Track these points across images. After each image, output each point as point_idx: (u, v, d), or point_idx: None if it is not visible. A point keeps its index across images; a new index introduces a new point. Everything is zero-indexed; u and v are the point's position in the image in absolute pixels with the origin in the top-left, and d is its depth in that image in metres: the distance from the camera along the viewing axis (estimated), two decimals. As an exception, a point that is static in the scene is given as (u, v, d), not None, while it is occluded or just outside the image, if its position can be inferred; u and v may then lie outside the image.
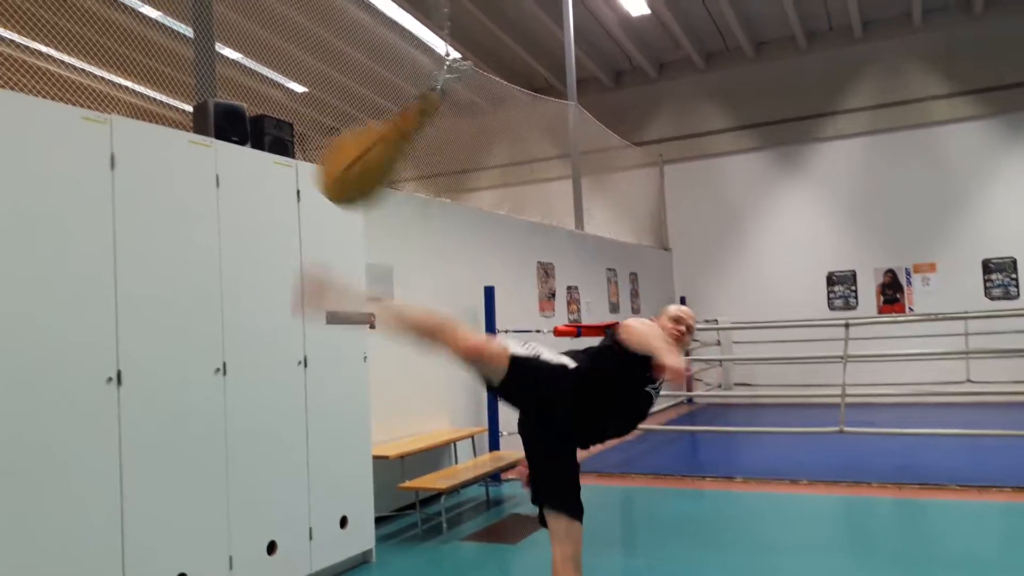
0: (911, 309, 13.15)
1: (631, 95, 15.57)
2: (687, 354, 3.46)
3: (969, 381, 11.40)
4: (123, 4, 7.88)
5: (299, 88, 10.24)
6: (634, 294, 13.13)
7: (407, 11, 11.52)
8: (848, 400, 7.74)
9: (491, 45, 13.90)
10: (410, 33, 11.80)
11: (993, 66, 12.85)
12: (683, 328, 3.54)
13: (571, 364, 3.31)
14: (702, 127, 15.03)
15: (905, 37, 13.49)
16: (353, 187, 2.81)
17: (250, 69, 8.93)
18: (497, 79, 11.38)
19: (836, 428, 7.48)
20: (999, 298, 12.63)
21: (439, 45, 12.74)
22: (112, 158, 3.69)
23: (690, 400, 13.60)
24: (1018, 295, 12.53)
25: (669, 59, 15.17)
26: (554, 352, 3.36)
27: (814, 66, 14.14)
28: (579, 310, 10.86)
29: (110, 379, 3.59)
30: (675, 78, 15.27)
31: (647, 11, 12.64)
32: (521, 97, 11.90)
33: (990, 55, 12.89)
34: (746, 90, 14.64)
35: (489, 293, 8.10)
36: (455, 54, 3.42)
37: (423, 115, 2.80)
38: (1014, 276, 12.60)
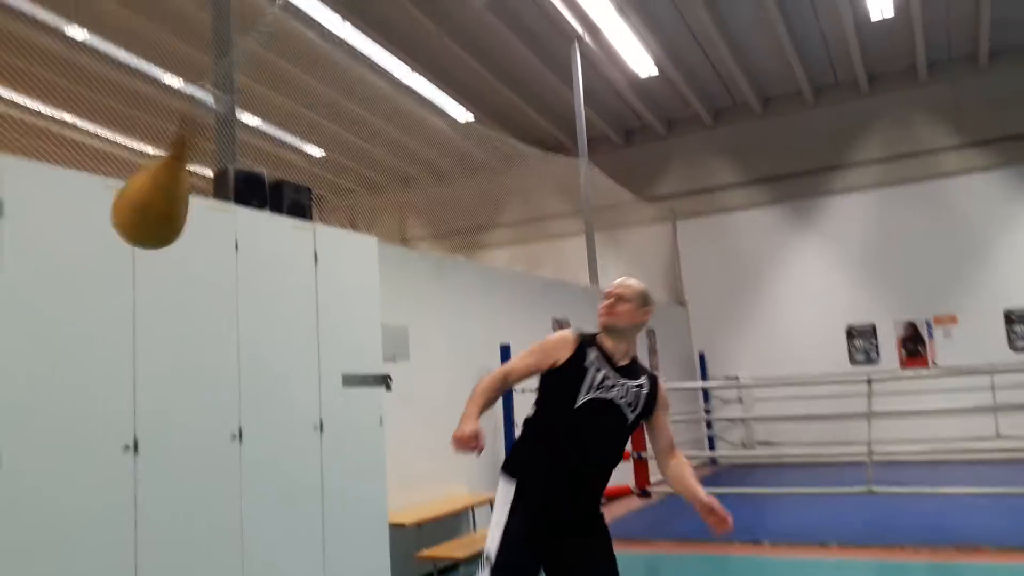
0: (934, 363, 12.95)
1: (641, 152, 15.68)
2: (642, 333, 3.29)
3: (999, 436, 11.13)
4: (146, 74, 8.05)
5: (317, 152, 10.38)
6: (652, 350, 13.02)
7: (422, 75, 11.72)
8: (874, 458, 7.56)
9: (503, 106, 14.08)
10: (424, 98, 12.00)
11: (1001, 117, 12.89)
12: (608, 302, 3.14)
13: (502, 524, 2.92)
14: (713, 182, 15.09)
15: (912, 90, 13.59)
16: (136, 216, 2.58)
17: (269, 134, 9.06)
18: (509, 139, 11.50)
19: (865, 488, 7.28)
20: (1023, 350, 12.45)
21: (452, 107, 12.93)
22: (132, 226, 3.70)
23: (713, 461, 13.36)
24: (1044, 346, 12.35)
25: (678, 116, 15.32)
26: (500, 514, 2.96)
27: (822, 120, 14.24)
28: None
29: (127, 447, 3.54)
30: (684, 134, 15.39)
31: (655, 72, 12.80)
32: (533, 156, 12.01)
33: (998, 106, 12.95)
34: (755, 145, 14.73)
35: (505, 351, 8.04)
36: None
37: (177, 147, 2.59)
38: (1039, 327, 12.43)
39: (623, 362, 3.08)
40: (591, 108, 13.61)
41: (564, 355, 3.04)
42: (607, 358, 3.06)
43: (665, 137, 15.52)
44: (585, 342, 3.10)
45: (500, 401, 7.99)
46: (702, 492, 2.96)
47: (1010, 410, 10.59)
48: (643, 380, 3.07)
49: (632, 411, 3.01)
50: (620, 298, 3.12)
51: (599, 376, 2.99)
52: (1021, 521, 7.38)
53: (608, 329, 3.11)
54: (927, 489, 7.92)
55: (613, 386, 3.00)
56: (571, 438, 2.95)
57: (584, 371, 3.00)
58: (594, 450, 2.98)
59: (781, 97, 14.54)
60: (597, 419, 2.97)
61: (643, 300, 3.16)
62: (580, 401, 2.95)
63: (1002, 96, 12.93)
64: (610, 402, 2.98)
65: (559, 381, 3.02)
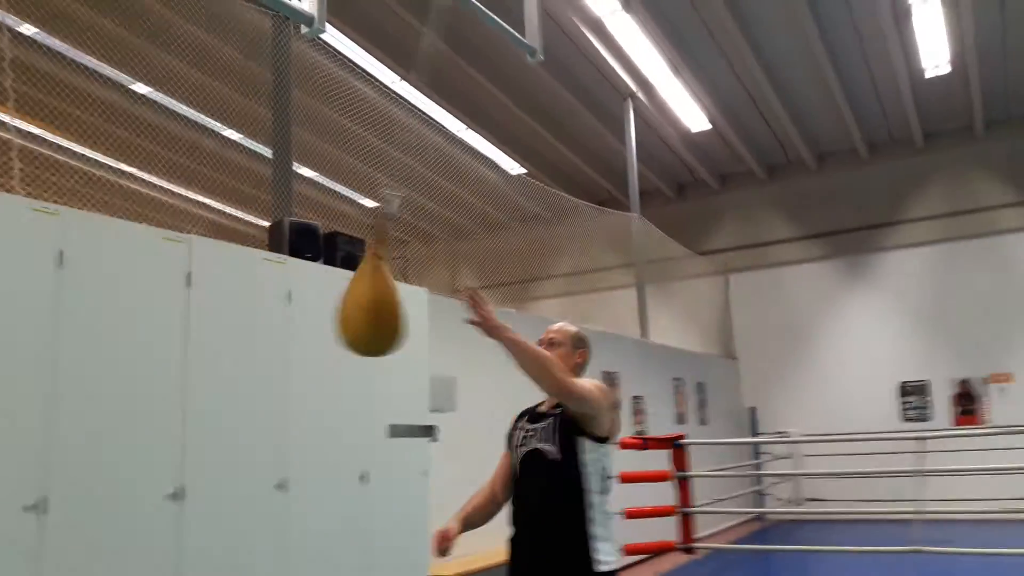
0: (989, 421, 12.58)
1: (694, 206, 15.72)
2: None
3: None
4: (206, 127, 8.42)
5: (370, 203, 10.66)
6: (702, 404, 12.90)
7: (476, 131, 12.00)
8: (924, 516, 7.36)
9: (555, 160, 14.30)
10: (476, 150, 12.27)
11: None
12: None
13: None
14: (766, 237, 15.02)
15: (968, 147, 13.43)
16: (372, 331, 2.89)
17: (324, 186, 9.37)
18: (561, 193, 11.67)
19: (913, 547, 7.10)
20: (1082, 409, 12.02)
21: (504, 160, 13.19)
22: (188, 276, 3.89)
23: (760, 516, 13.09)
24: (1103, 407, 11.91)
25: (731, 171, 15.35)
26: None
27: (877, 176, 14.13)
28: (644, 421, 10.71)
29: (173, 494, 3.67)
30: (738, 189, 15.40)
31: (708, 126, 12.90)
32: (585, 210, 12.15)
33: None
34: (809, 200, 14.66)
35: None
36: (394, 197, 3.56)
37: (380, 243, 2.93)
38: (1097, 388, 12.01)
39: (548, 405, 3.02)
40: (643, 163, 13.74)
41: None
42: (533, 413, 3.07)
43: (718, 192, 15.54)
44: (523, 412, 3.15)
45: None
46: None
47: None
48: (560, 409, 2.91)
49: (553, 444, 2.86)
50: (551, 343, 3.08)
51: (518, 435, 3.01)
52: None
53: None
54: (978, 549, 7.68)
55: (531, 434, 2.95)
56: (517, 498, 2.96)
57: (509, 438, 3.07)
58: (533, 495, 2.89)
59: (835, 153, 14.49)
60: (528, 471, 2.92)
61: (576, 342, 3.11)
62: (515, 464, 2.99)
63: (1060, 151, 12.72)
64: (532, 452, 2.90)
65: None
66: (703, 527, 9.42)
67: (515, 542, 2.92)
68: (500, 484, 3.08)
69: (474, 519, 3.09)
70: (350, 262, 5.09)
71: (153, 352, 3.68)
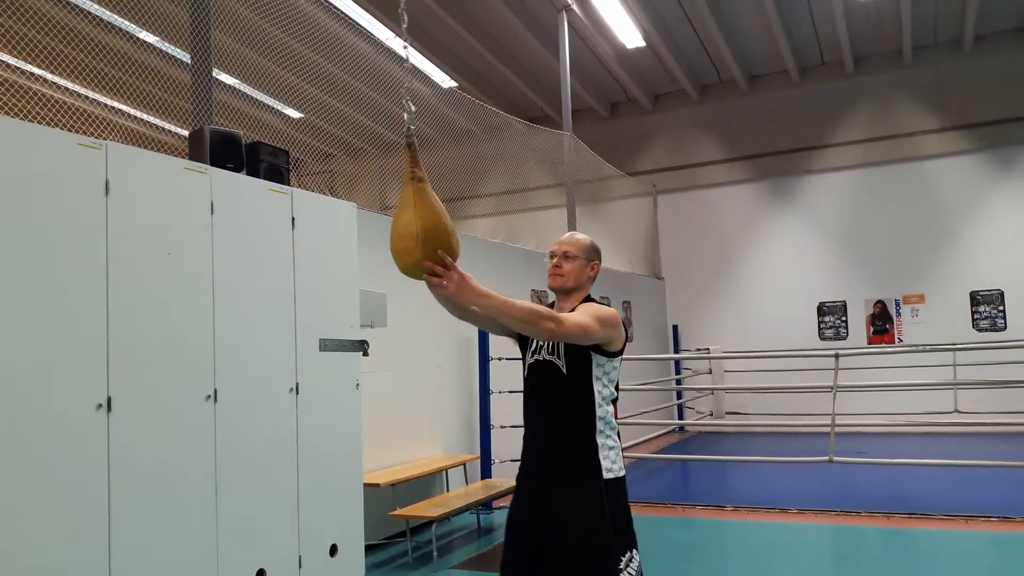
0: (900, 340, 13.21)
1: (626, 125, 15.72)
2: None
3: (957, 411, 11.44)
4: (121, 29, 7.96)
5: (295, 114, 10.32)
6: (627, 322, 13.17)
7: (403, 38, 11.62)
8: (838, 430, 7.77)
9: (489, 75, 14.04)
10: (407, 61, 11.92)
11: (983, 101, 13.03)
12: (554, 262, 3.06)
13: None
14: (696, 158, 15.17)
15: (896, 72, 13.68)
16: (430, 249, 2.85)
17: (246, 94, 9.00)
18: (493, 109, 11.48)
19: (826, 458, 7.49)
20: (986, 330, 12.71)
21: (437, 73, 12.88)
22: (107, 184, 3.72)
23: (681, 428, 13.59)
24: (1005, 327, 12.61)
25: (664, 91, 15.34)
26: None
27: (806, 99, 14.33)
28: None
29: (100, 405, 3.59)
30: (670, 109, 15.44)
31: (642, 43, 12.80)
32: (517, 127, 12.01)
33: (980, 90, 13.08)
34: (739, 122, 14.80)
35: (482, 320, 8.12)
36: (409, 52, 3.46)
37: (413, 164, 2.90)
38: (1001, 308, 12.69)
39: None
40: (577, 80, 13.60)
41: None
42: None
43: (650, 112, 15.55)
44: None
45: (477, 368, 8.13)
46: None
47: (969, 387, 10.88)
48: None
49: (560, 357, 2.90)
50: (565, 256, 3.04)
51: (529, 343, 3.02)
52: (971, 491, 7.67)
53: (557, 291, 3.06)
54: (885, 460, 8.17)
55: (540, 345, 2.96)
56: (526, 401, 3.03)
57: (523, 347, 3.07)
58: (542, 407, 2.96)
59: (767, 75, 14.60)
60: (536, 379, 2.97)
61: (590, 253, 3.08)
62: (524, 372, 3.04)
63: (984, 81, 13.06)
64: (541, 361, 2.95)
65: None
66: (627, 438, 9.72)
67: (526, 447, 3.00)
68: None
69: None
70: (273, 173, 4.94)
71: (73, 262, 3.54)
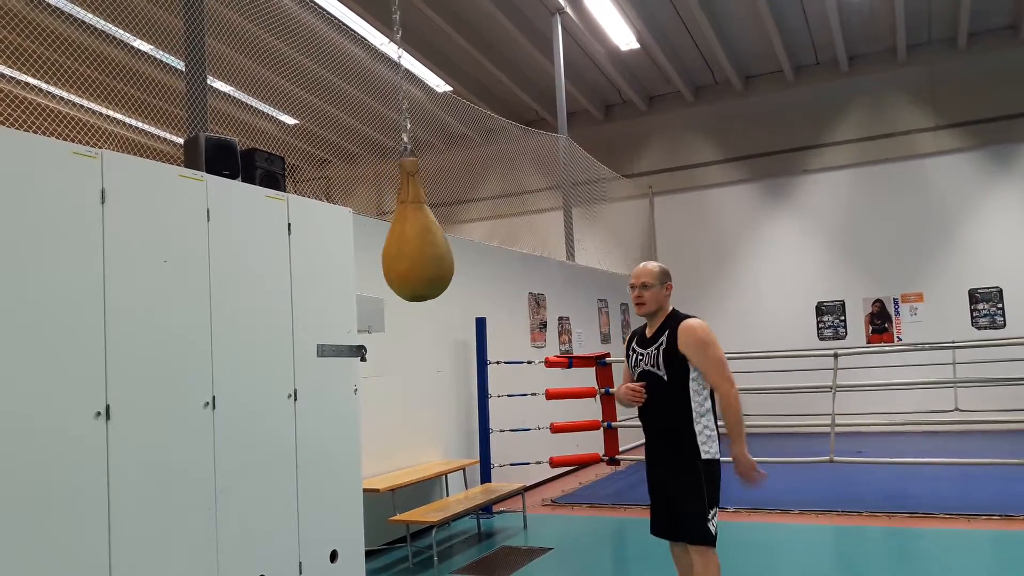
0: (899, 339, 13.22)
1: (621, 128, 15.73)
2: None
3: (957, 410, 11.45)
4: (115, 38, 7.96)
5: (290, 120, 10.32)
6: (625, 324, 13.17)
7: (398, 44, 11.63)
8: (838, 429, 7.76)
9: (484, 79, 14.05)
10: (401, 66, 11.92)
11: (977, 99, 13.06)
12: (635, 294, 3.84)
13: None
14: (691, 159, 15.18)
15: (890, 71, 13.70)
16: (419, 273, 3.55)
17: (241, 101, 9.00)
18: (489, 113, 11.50)
19: (826, 458, 7.49)
20: (985, 327, 12.71)
21: (431, 77, 12.89)
22: (102, 192, 3.72)
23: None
24: (1004, 325, 12.61)
25: (659, 92, 15.36)
26: None
27: (801, 99, 14.35)
28: (570, 341, 10.88)
29: (99, 414, 3.58)
30: (665, 111, 15.45)
31: (636, 45, 12.81)
32: (513, 130, 12.02)
33: (974, 88, 13.10)
34: (734, 123, 14.82)
35: (480, 324, 8.12)
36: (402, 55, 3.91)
37: (410, 177, 3.19)
38: (1000, 306, 12.69)
39: (651, 332, 3.84)
40: (571, 82, 13.62)
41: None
42: (643, 336, 3.89)
43: (645, 114, 15.56)
44: (633, 333, 4.01)
45: (475, 372, 8.12)
46: (735, 447, 3.74)
47: (969, 385, 10.88)
48: (662, 338, 3.74)
49: (660, 369, 3.72)
50: (644, 286, 3.80)
51: (633, 357, 3.89)
52: (971, 489, 7.65)
53: (643, 315, 3.88)
54: (885, 459, 8.16)
55: (641, 357, 3.81)
56: (641, 408, 3.84)
57: (628, 356, 3.96)
58: (651, 406, 3.76)
59: (762, 75, 14.62)
60: (648, 388, 3.77)
61: (663, 278, 3.86)
62: (634, 377, 3.88)
63: (978, 78, 13.08)
64: (646, 372, 3.78)
65: None
66: (626, 440, 9.72)
67: (646, 439, 3.91)
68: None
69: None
70: (269, 180, 4.94)
71: (69, 271, 3.53)
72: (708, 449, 3.70)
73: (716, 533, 3.69)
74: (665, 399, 3.71)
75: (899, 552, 5.92)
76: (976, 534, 6.14)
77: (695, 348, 3.66)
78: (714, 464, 3.72)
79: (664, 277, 3.85)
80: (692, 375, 3.70)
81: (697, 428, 3.69)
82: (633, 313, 13.40)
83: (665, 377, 3.71)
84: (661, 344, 3.73)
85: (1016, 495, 7.24)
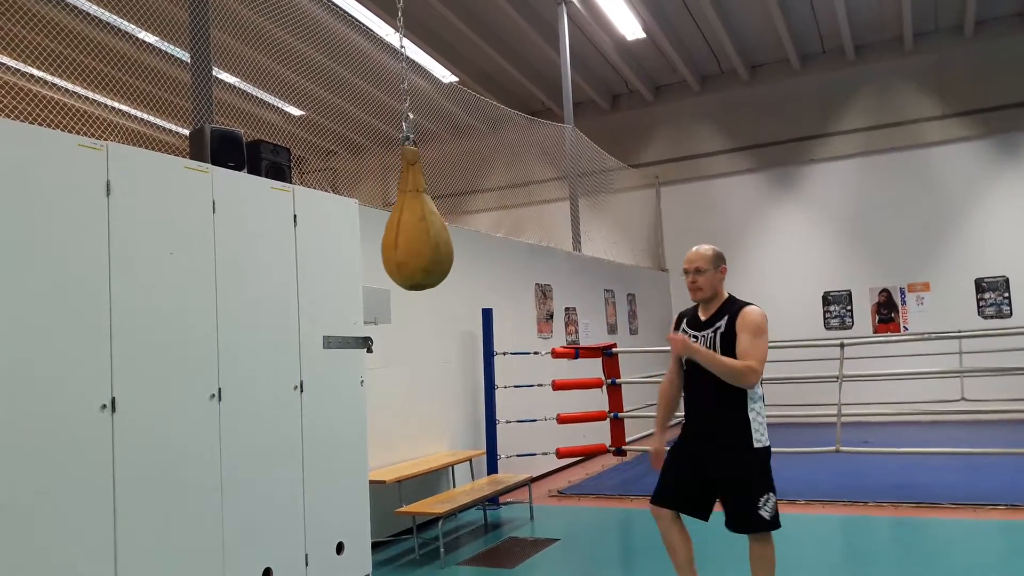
0: (906, 328, 13.18)
1: (628, 118, 15.68)
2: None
3: (964, 399, 11.42)
4: (120, 29, 7.95)
5: (296, 111, 10.31)
6: (632, 315, 13.15)
7: (403, 34, 11.60)
8: (844, 419, 7.75)
9: (489, 69, 14.01)
10: (407, 56, 11.90)
11: (984, 87, 12.97)
12: (689, 280, 3.83)
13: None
14: (698, 149, 15.13)
15: (897, 59, 13.62)
16: (414, 261, 3.63)
17: (247, 93, 8.99)
18: (494, 103, 11.47)
19: (833, 448, 7.48)
20: (992, 317, 12.67)
21: (437, 68, 12.86)
22: (108, 184, 3.72)
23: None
24: (1011, 314, 12.56)
25: (665, 82, 15.30)
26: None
27: (808, 88, 14.27)
28: (577, 332, 10.88)
29: (104, 406, 3.60)
30: (671, 101, 15.39)
31: (642, 35, 12.76)
32: (519, 120, 11.99)
33: (981, 76, 13.02)
34: (741, 112, 14.76)
35: (487, 315, 8.12)
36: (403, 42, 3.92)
37: (410, 166, 3.28)
38: (1006, 295, 12.64)
39: (706, 316, 3.83)
40: (578, 72, 13.57)
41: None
42: (695, 318, 3.88)
43: (652, 104, 15.50)
44: (682, 315, 4.02)
45: (482, 363, 8.12)
46: (696, 349, 3.72)
47: (975, 374, 10.85)
48: (721, 322, 3.75)
49: (717, 352, 3.68)
50: (698, 271, 3.80)
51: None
52: (978, 479, 7.63)
53: (698, 301, 3.88)
54: (892, 449, 8.15)
55: (695, 340, 3.77)
56: (687, 388, 3.88)
57: None
58: (700, 392, 3.77)
59: (768, 64, 14.54)
60: (697, 369, 3.75)
61: (717, 262, 3.85)
62: (683, 361, 3.88)
63: (986, 67, 12.99)
64: None
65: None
66: (633, 431, 9.72)
67: (689, 425, 3.86)
68: (676, 379, 4.01)
69: (669, 417, 4.11)
70: (275, 171, 4.94)
71: (75, 263, 3.53)
72: (760, 437, 3.70)
73: (773, 518, 3.67)
74: (717, 385, 3.67)
75: (905, 542, 5.91)
76: (983, 524, 6.14)
77: (750, 329, 3.67)
78: (765, 452, 3.72)
79: (718, 260, 3.85)
80: None
81: (751, 415, 3.69)
82: (640, 303, 13.41)
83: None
84: (719, 328, 3.73)
85: (1022, 485, 7.22)
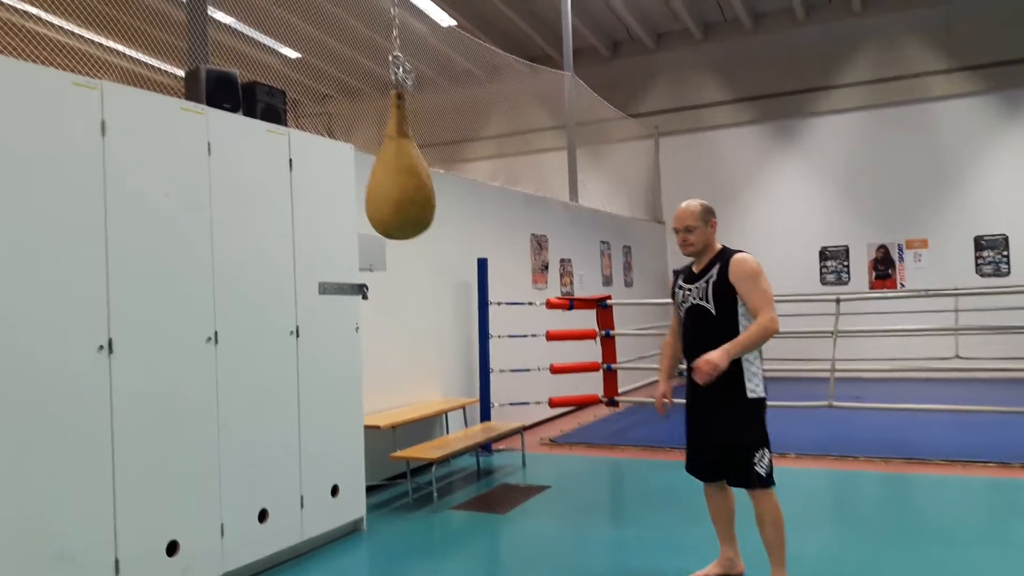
0: (903, 285, 13.20)
1: (628, 66, 15.46)
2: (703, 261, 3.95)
3: (958, 357, 11.49)
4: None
5: (292, 54, 10.13)
6: (627, 267, 13.14)
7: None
8: (838, 375, 7.80)
9: (488, 14, 13.76)
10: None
11: (993, 41, 12.79)
12: (680, 238, 3.86)
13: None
14: (698, 99, 14.96)
15: (904, 11, 13.40)
16: (376, 215, 3.42)
17: (243, 33, 8.82)
18: (493, 48, 11.29)
19: (825, 403, 7.54)
20: (989, 275, 12.68)
21: (435, 11, 12.63)
22: (103, 124, 3.66)
23: (680, 373, 13.66)
24: (1008, 272, 12.58)
25: (667, 29, 15.06)
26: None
27: (812, 39, 14.06)
28: (572, 283, 10.87)
29: (101, 347, 3.59)
30: (672, 49, 15.16)
31: (645, -19, 12.51)
32: (517, 67, 11.81)
33: (989, 31, 12.83)
34: (743, 62, 14.55)
35: (482, 265, 8.10)
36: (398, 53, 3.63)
37: (397, 109, 3.13)
38: (1005, 253, 12.64)
39: (698, 268, 3.86)
40: (578, 17, 13.34)
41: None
42: (688, 273, 3.92)
43: (653, 52, 15.28)
44: (677, 272, 4.07)
45: (476, 312, 8.13)
46: (726, 348, 3.54)
47: (970, 332, 10.91)
48: (712, 271, 3.75)
49: (709, 302, 3.72)
50: (688, 230, 3.82)
51: (680, 293, 3.91)
52: (969, 437, 7.71)
53: (691, 256, 3.90)
54: (884, 405, 8.21)
55: (689, 292, 3.82)
56: (684, 339, 3.91)
57: (674, 295, 4.00)
58: (696, 342, 3.73)
59: (772, 12, 14.30)
60: (692, 320, 3.80)
61: (706, 216, 3.86)
62: (681, 314, 3.93)
63: (994, 20, 12.79)
64: (694, 306, 3.78)
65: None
66: (625, 382, 9.78)
67: (689, 376, 3.82)
68: (677, 332, 4.07)
69: (672, 367, 4.19)
70: (270, 114, 4.86)
71: (70, 203, 3.49)
72: (754, 388, 3.68)
73: (768, 473, 3.66)
74: (712, 333, 3.65)
75: (895, 497, 5.99)
76: (972, 480, 6.21)
77: (745, 278, 3.65)
78: (758, 403, 3.70)
79: (707, 215, 3.86)
80: (741, 310, 3.69)
81: (744, 364, 3.66)
82: (635, 256, 13.39)
83: (713, 311, 3.70)
84: (711, 277, 3.73)
85: (1013, 443, 7.30)
